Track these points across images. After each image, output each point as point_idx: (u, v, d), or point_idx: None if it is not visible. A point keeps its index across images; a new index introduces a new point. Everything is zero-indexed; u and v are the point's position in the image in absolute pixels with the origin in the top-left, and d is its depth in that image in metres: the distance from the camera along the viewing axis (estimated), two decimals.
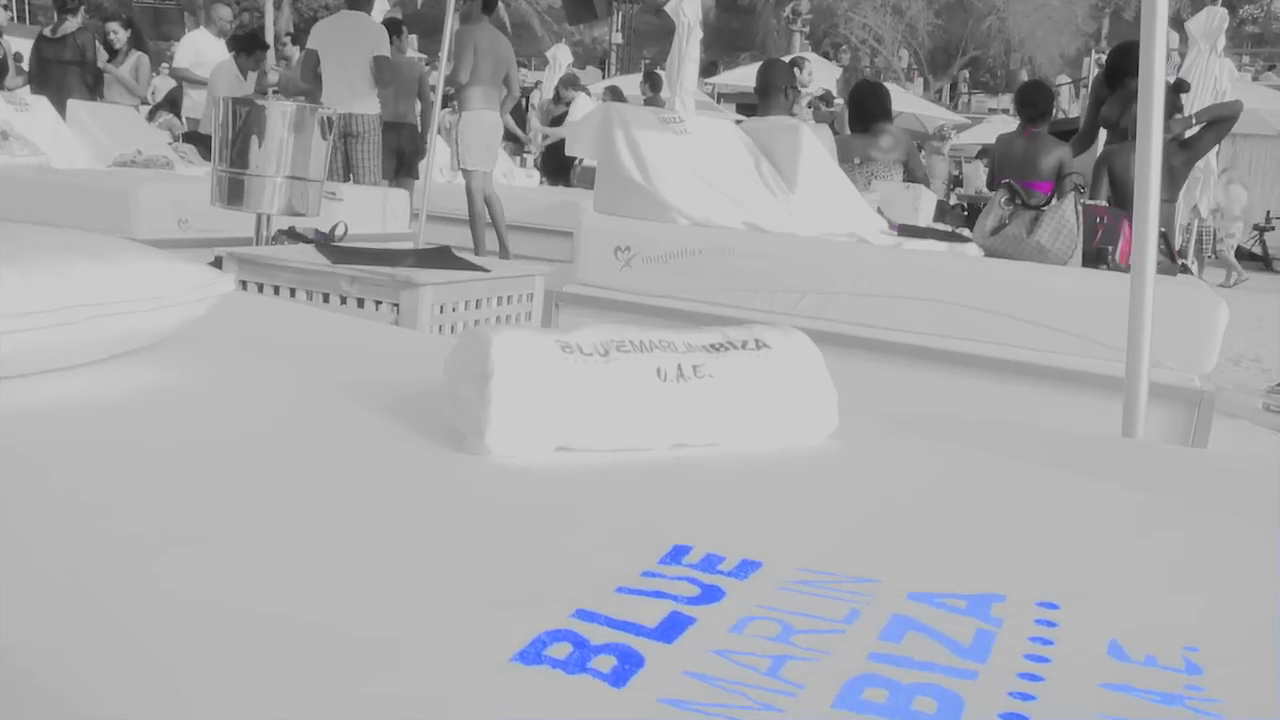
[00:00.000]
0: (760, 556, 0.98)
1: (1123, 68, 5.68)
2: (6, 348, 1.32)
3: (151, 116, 8.56)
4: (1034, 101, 5.23)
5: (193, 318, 1.56)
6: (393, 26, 7.58)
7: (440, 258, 2.39)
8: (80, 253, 1.48)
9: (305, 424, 1.35)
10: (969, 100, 31.04)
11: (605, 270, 3.92)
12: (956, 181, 13.66)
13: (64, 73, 7.73)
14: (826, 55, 30.81)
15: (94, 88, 8.03)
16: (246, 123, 2.46)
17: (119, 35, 8.25)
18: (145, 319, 1.49)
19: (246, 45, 8.12)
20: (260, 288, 2.24)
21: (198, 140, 7.76)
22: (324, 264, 2.11)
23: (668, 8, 10.48)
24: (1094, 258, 3.86)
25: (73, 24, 7.95)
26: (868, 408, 1.69)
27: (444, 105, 7.91)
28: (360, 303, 2.10)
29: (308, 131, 2.56)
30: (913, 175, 5.28)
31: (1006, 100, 31.21)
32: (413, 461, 1.23)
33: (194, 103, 8.92)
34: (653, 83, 11.46)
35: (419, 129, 7.63)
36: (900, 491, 1.30)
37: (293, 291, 2.18)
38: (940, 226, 4.69)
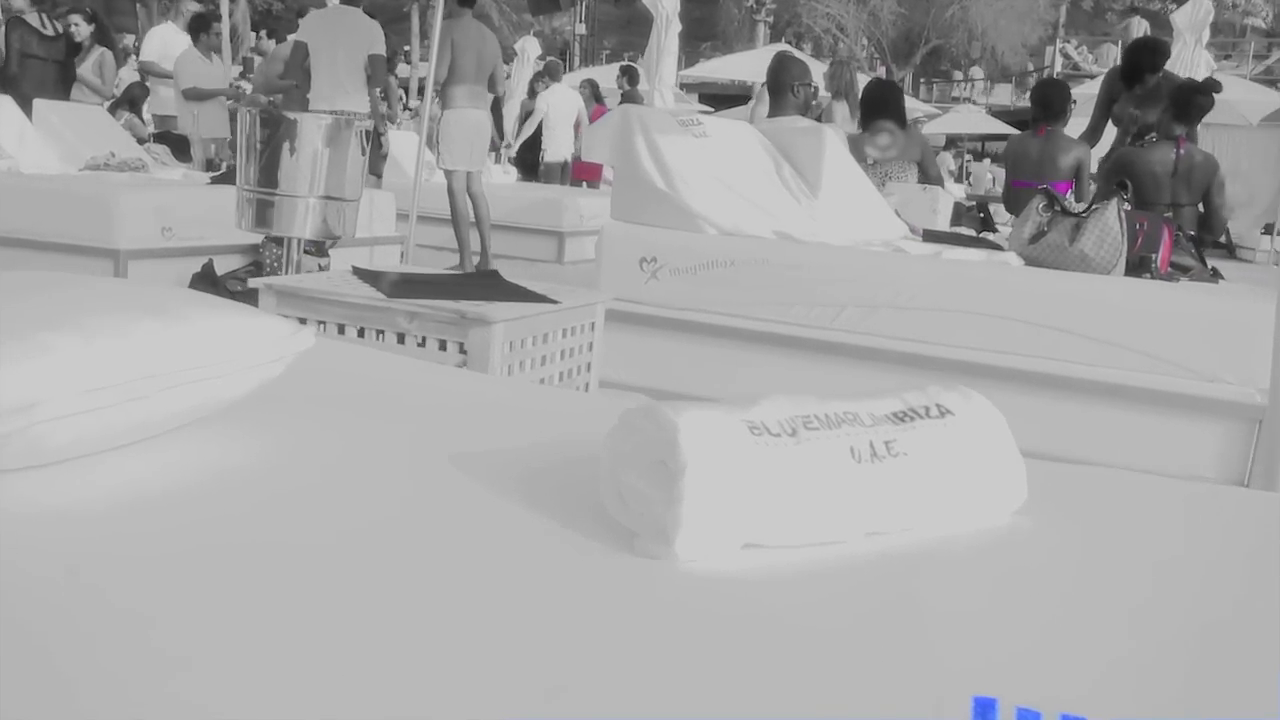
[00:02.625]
0: (1080, 709, 0.80)
1: (1142, 64, 5.57)
2: (68, 434, 1.11)
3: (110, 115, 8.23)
4: (1049, 100, 5.08)
5: (270, 379, 1.35)
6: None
7: (496, 286, 2.19)
8: (143, 309, 1.27)
9: (430, 514, 1.14)
10: (932, 89, 31.12)
11: (630, 282, 3.73)
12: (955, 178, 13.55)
13: (51, 72, 7.37)
14: (788, 45, 30.73)
15: (69, 87, 7.67)
16: (275, 137, 2.22)
17: (80, 29, 7.89)
18: (221, 385, 1.28)
19: (203, 24, 7.85)
20: (302, 323, 2.01)
21: (170, 140, 7.47)
22: (376, 297, 1.90)
23: (645, 0, 10.27)
24: (1136, 266, 3.72)
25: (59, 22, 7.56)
26: None
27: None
28: (421, 341, 1.90)
29: (344, 146, 2.33)
30: (927, 175, 5.13)
31: (967, 90, 31.33)
32: (577, 565, 1.03)
33: (161, 99, 8.61)
34: (630, 76, 11.26)
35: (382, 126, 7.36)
36: (1153, 590, 1.11)
37: (341, 328, 1.97)
38: (965, 231, 4.54)
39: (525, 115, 10.71)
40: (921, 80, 31.01)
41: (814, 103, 9.46)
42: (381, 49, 6.59)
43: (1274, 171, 7.99)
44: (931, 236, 4.39)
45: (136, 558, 0.97)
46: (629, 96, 11.15)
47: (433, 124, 9.28)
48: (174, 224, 4.95)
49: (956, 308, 3.46)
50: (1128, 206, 3.76)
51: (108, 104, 8.87)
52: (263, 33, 9.25)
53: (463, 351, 1.86)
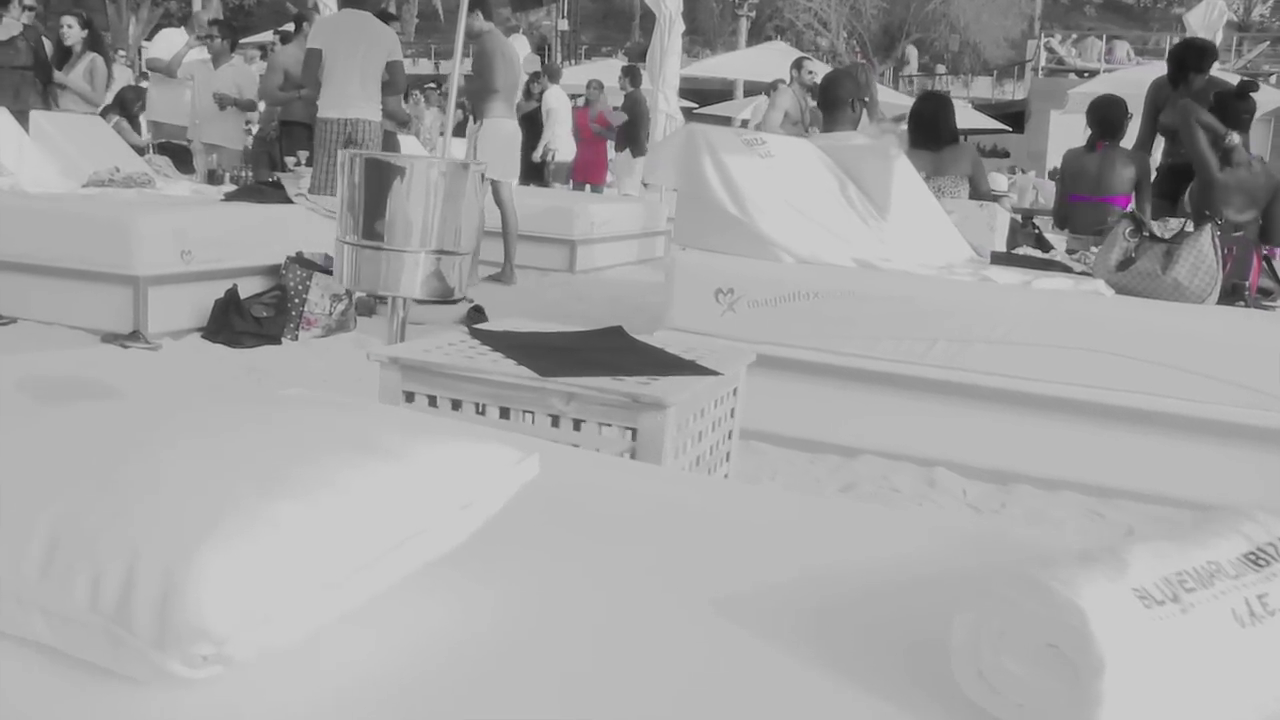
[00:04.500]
0: None
1: (1188, 64, 5.39)
2: (297, 634, 0.90)
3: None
4: (1107, 119, 4.92)
5: (493, 514, 1.14)
6: (383, 19, 7.05)
7: (635, 350, 1.97)
8: (352, 446, 1.05)
9: (730, 696, 0.94)
10: (912, 83, 31.02)
11: (704, 314, 3.52)
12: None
13: (17, 80, 7.00)
14: (769, 39, 30.54)
15: (46, 94, 7.32)
16: (381, 183, 1.99)
17: (73, 32, 7.57)
18: (451, 534, 1.07)
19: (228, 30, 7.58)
20: (433, 401, 1.79)
21: (170, 151, 7.18)
22: (529, 376, 1.68)
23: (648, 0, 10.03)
24: (1228, 293, 3.55)
25: (12, 23, 7.20)
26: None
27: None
28: (576, 424, 1.68)
29: (460, 194, 2.10)
30: (978, 191, 4.94)
31: (948, 82, 31.26)
32: None
33: (158, 105, 8.31)
34: (632, 77, 11.03)
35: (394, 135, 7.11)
36: None
37: (480, 408, 1.74)
38: (1033, 252, 4.36)
39: (520, 117, 10.44)
40: (900, 75, 30.89)
41: (814, 101, 9.26)
42: (399, 55, 6.33)
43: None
44: (1001, 259, 4.21)
45: None
46: (632, 98, 10.93)
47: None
48: (193, 246, 4.69)
49: (1054, 342, 3.27)
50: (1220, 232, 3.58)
51: (98, 111, 8.56)
52: (276, 36, 8.88)
53: (630, 435, 1.65)
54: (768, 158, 3.84)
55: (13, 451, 0.96)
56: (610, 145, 11.44)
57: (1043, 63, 23.33)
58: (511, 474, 1.14)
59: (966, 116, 20.55)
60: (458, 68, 5.95)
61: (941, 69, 32.01)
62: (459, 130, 8.86)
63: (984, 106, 24.10)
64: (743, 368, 2.08)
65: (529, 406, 1.72)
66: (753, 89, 18.06)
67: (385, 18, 7.21)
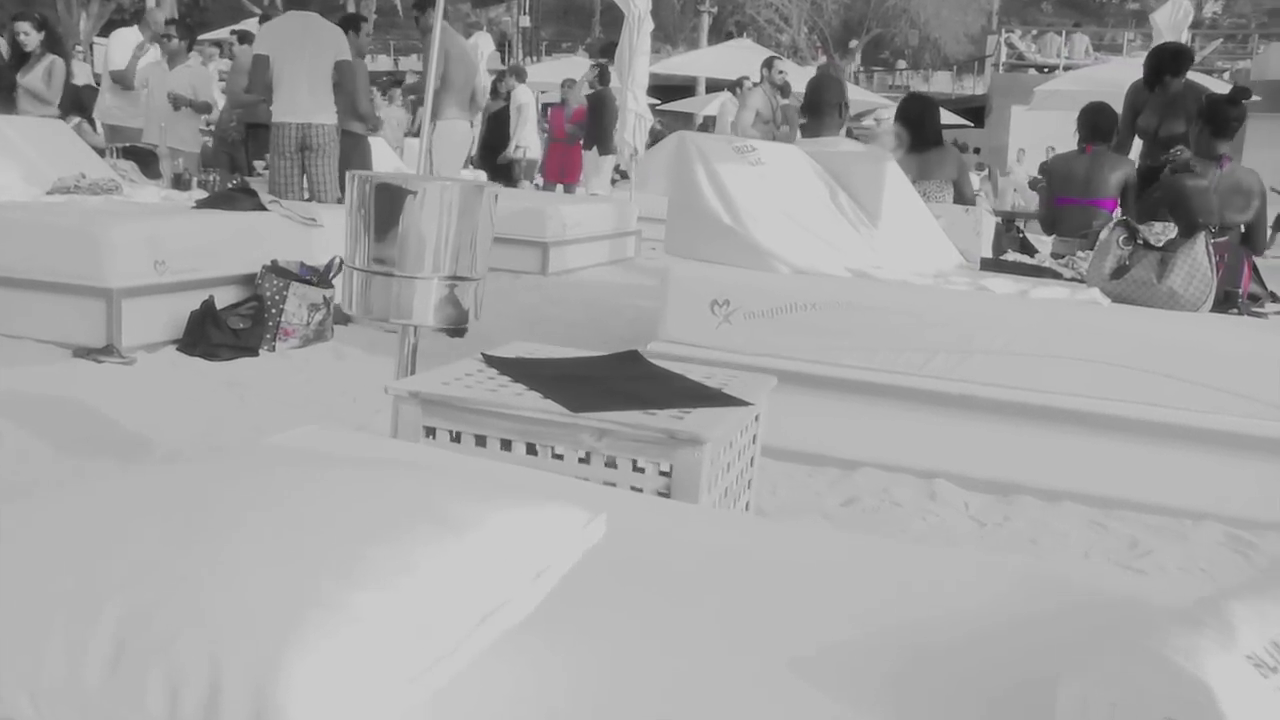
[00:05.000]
0: None
1: (1163, 68, 5.43)
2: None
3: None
4: (1097, 124, 4.94)
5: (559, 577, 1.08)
6: (351, 23, 6.93)
7: (656, 377, 1.91)
8: (429, 518, 0.99)
9: None
10: (872, 78, 31.16)
11: (699, 327, 3.47)
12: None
13: None
14: (730, 35, 30.52)
15: (4, 100, 7.13)
16: (391, 206, 1.90)
17: (30, 37, 7.37)
18: (524, 603, 1.01)
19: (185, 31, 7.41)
20: (456, 436, 1.72)
21: (135, 155, 7.01)
22: (558, 412, 1.61)
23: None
24: (1221, 301, 3.55)
25: None
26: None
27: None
28: (611, 460, 1.62)
29: (474, 215, 2.02)
30: (962, 196, 4.93)
31: (908, 77, 31.45)
32: None
33: (110, 109, 8.13)
34: (601, 76, 10.94)
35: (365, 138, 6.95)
36: None
37: (506, 444, 1.67)
38: (1022, 259, 4.35)
39: (488, 116, 10.32)
40: (861, 70, 31.02)
41: (785, 100, 9.23)
42: (348, 54, 6.20)
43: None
44: (991, 266, 4.20)
45: None
46: (599, 96, 10.84)
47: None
48: (167, 256, 4.56)
49: (1053, 353, 3.25)
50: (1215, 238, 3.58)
51: (56, 112, 8.35)
52: (234, 39, 8.70)
53: (663, 473, 1.59)
54: (759, 165, 3.79)
55: (61, 531, 0.89)
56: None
57: (1003, 58, 23.47)
58: (580, 537, 1.08)
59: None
60: (433, 71, 5.82)
61: (902, 64, 32.19)
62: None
63: (945, 101, 24.19)
64: (766, 394, 2.02)
65: (558, 442, 1.65)
66: (714, 85, 18.05)
67: (355, 22, 7.09)
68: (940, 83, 30.66)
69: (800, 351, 3.40)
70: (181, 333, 4.54)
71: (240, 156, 7.98)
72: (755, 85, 9.07)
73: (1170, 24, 8.94)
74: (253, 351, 4.55)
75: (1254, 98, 4.84)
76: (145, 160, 7.04)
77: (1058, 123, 19.27)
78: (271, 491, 0.97)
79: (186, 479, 1.00)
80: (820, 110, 4.52)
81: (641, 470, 1.63)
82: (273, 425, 3.41)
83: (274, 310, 4.73)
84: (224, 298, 4.74)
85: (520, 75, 10.07)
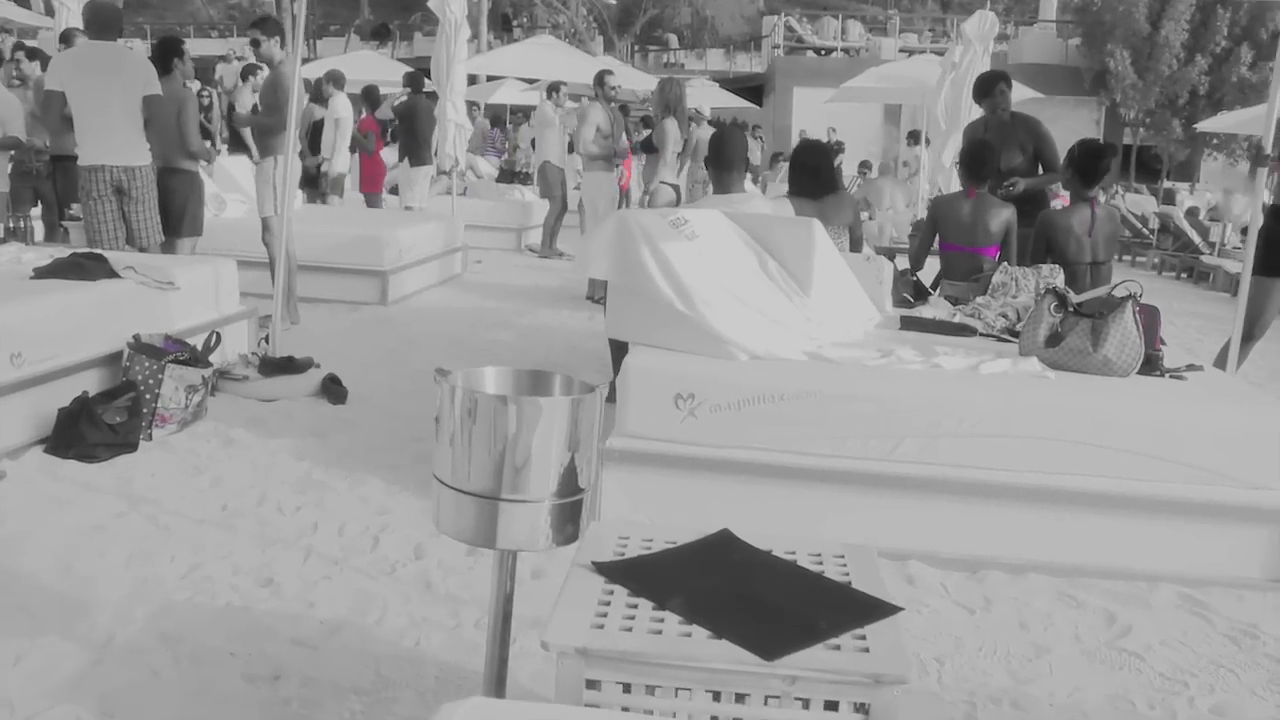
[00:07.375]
0: None
1: (991, 93, 5.83)
2: None
3: None
4: (983, 161, 5.05)
5: None
6: (170, 48, 6.34)
7: (768, 568, 1.79)
8: None
9: None
10: (647, 57, 31.43)
11: (663, 421, 3.36)
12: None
13: None
14: (506, 17, 30.08)
15: None
16: (498, 424, 1.67)
17: None
18: None
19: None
20: (626, 688, 1.55)
21: None
22: (752, 662, 1.47)
23: (431, 4, 9.56)
24: (1145, 363, 3.72)
25: None
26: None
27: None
28: (805, 703, 1.49)
29: (591, 426, 1.82)
30: (856, 241, 4.99)
31: (682, 56, 31.87)
32: None
33: None
34: (415, 84, 10.52)
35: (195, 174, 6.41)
36: None
37: (679, 692, 1.52)
38: (940, 316, 4.43)
39: (310, 126, 9.64)
40: (637, 49, 31.22)
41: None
42: (157, 88, 5.66)
43: None
44: (912, 324, 4.26)
45: None
46: (409, 104, 10.42)
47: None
48: (22, 347, 4.06)
49: (1015, 433, 3.33)
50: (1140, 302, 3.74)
51: None
52: (20, 53, 7.77)
53: (859, 711, 1.49)
54: (694, 239, 3.71)
55: None
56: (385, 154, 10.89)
57: (780, 40, 24.12)
58: None
59: (714, 95, 21.01)
60: (295, 113, 5.41)
61: (674, 43, 32.59)
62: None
63: (722, 80, 24.69)
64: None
65: (744, 689, 1.53)
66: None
67: (174, 47, 6.47)
68: (714, 61, 31.24)
69: (769, 442, 3.35)
70: (49, 431, 4.07)
71: (47, 190, 7.22)
72: (593, 100, 8.93)
73: (979, 34, 9.33)
74: (132, 447, 4.12)
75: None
76: None
77: (848, 110, 19.93)
78: None
79: None
80: (729, 165, 4.45)
81: (835, 706, 1.52)
82: (212, 555, 3.02)
83: (149, 396, 4.31)
84: (90, 382, 4.28)
85: (339, 82, 9.48)
